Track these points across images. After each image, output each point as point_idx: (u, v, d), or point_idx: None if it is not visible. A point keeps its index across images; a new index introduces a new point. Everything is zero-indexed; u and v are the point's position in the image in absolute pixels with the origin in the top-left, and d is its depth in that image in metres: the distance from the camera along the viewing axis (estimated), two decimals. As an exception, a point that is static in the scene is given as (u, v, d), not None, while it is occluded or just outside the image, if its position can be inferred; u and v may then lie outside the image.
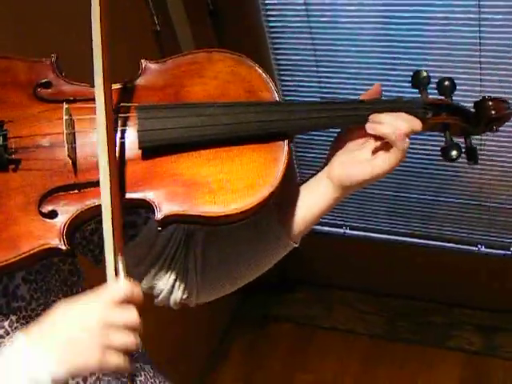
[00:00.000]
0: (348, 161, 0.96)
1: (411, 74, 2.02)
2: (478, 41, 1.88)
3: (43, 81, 0.93)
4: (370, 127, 0.95)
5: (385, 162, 0.94)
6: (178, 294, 1.05)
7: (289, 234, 1.01)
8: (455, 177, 2.18)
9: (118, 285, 0.81)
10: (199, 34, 2.15)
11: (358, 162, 0.95)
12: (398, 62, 2.03)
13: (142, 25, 1.97)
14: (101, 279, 1.03)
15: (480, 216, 2.27)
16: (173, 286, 1.04)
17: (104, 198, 0.82)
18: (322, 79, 2.17)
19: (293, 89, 2.23)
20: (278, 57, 2.18)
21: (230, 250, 1.04)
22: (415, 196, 2.30)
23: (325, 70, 2.15)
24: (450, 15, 1.88)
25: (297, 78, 2.21)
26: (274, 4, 2.08)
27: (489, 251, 2.35)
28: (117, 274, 0.82)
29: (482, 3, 1.81)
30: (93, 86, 0.88)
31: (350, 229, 2.53)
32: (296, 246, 1.03)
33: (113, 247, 0.81)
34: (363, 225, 2.50)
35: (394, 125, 0.93)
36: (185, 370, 2.29)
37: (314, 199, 0.99)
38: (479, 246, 2.35)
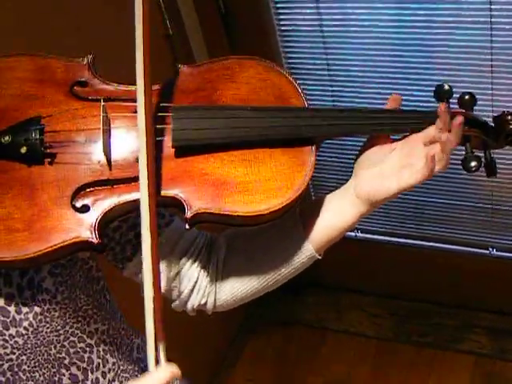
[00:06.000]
0: (375, 176, 0.97)
1: (423, 78, 2.03)
2: (490, 44, 1.88)
3: (80, 80, 0.95)
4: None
5: (411, 176, 0.95)
6: (196, 298, 1.05)
7: (313, 245, 1.01)
8: (467, 180, 2.19)
9: (161, 373, 0.79)
10: (211, 37, 2.16)
11: (385, 177, 0.97)
12: (410, 67, 2.04)
13: (155, 29, 1.99)
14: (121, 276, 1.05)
15: (491, 219, 2.27)
16: (192, 289, 1.05)
17: (142, 197, 0.83)
18: (333, 83, 2.18)
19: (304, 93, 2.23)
20: (290, 61, 2.20)
21: (252, 257, 1.04)
22: (426, 199, 2.31)
23: (336, 74, 2.16)
24: (462, 19, 1.89)
25: (308, 82, 2.22)
26: (286, 8, 2.09)
27: (500, 254, 2.35)
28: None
29: (493, 7, 1.82)
30: (129, 85, 0.91)
31: (361, 232, 2.54)
32: (319, 257, 1.02)
33: (154, 339, 0.80)
34: (374, 228, 2.51)
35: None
36: (195, 374, 2.29)
37: (341, 213, 1.00)
38: (490, 249, 2.36)
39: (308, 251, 1.01)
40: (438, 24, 1.94)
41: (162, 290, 1.03)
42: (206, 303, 1.06)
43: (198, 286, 1.05)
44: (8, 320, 0.91)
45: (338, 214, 1.00)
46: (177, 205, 0.91)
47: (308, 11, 2.07)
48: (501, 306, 2.43)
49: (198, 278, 1.04)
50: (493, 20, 1.84)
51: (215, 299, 1.06)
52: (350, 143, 2.18)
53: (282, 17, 2.11)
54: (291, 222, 1.02)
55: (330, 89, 2.19)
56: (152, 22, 1.96)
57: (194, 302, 1.06)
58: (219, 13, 2.15)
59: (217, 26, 2.17)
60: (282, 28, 2.13)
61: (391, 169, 0.97)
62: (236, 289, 1.05)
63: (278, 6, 2.09)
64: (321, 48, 2.12)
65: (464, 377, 2.36)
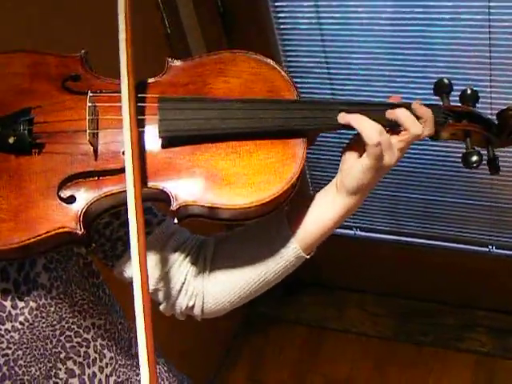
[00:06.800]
0: (351, 165, 0.96)
1: (421, 76, 2.02)
2: (488, 39, 1.88)
3: (72, 74, 0.95)
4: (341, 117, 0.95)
5: (369, 154, 0.92)
6: (184, 300, 1.04)
7: (300, 243, 0.99)
8: (467, 178, 2.18)
9: None
10: (210, 36, 2.16)
11: (357, 165, 0.95)
12: (408, 64, 2.03)
13: (153, 27, 1.99)
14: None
15: (492, 217, 2.27)
16: (180, 290, 1.03)
17: (129, 188, 0.83)
18: (332, 81, 2.18)
19: (303, 91, 2.24)
20: (289, 59, 2.19)
21: (238, 258, 1.03)
22: (426, 197, 2.31)
23: (335, 72, 2.16)
24: (460, 16, 1.89)
25: (307, 80, 2.22)
26: (285, 6, 2.09)
27: (500, 252, 2.35)
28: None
29: (491, 4, 1.81)
30: (118, 78, 0.90)
31: (360, 230, 2.53)
32: (307, 257, 1.00)
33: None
34: (374, 226, 2.50)
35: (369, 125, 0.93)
36: (195, 374, 2.29)
37: (323, 208, 0.99)
38: (490, 247, 2.35)
39: (294, 251, 0.99)
40: (436, 21, 1.94)
41: (150, 289, 1.02)
42: (193, 306, 1.05)
43: (186, 287, 1.03)
44: (4, 315, 0.91)
45: (321, 210, 0.99)
46: (163, 197, 0.90)
47: (306, 9, 2.06)
48: (502, 304, 2.43)
49: (186, 278, 1.03)
50: (491, 17, 1.84)
51: (203, 302, 1.04)
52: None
53: (280, 15, 2.11)
54: (277, 222, 1.00)
55: (329, 86, 2.19)
56: (150, 19, 1.98)
57: (181, 304, 1.04)
58: (218, 11, 2.15)
59: (215, 24, 2.17)
60: (281, 26, 2.13)
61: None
62: (222, 290, 1.03)
63: (277, 4, 2.09)
64: (319, 46, 2.12)
65: (465, 376, 2.36)
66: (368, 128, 0.92)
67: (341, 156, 0.99)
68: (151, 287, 1.02)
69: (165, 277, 1.03)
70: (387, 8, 1.99)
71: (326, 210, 0.98)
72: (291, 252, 0.99)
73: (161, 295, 1.04)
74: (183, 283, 1.03)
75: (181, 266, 1.03)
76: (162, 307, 1.06)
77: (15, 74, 0.94)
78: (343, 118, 0.95)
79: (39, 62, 0.96)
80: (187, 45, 2.10)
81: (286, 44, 2.16)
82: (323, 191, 1.01)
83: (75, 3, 1.63)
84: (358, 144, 0.95)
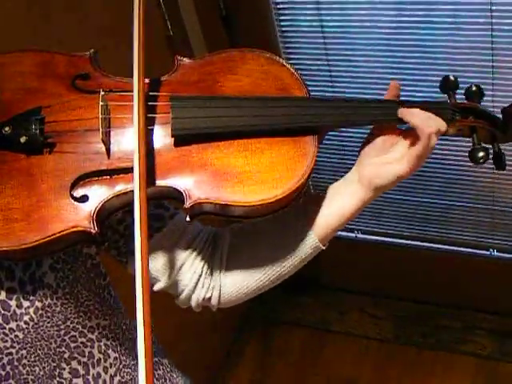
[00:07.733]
0: (378, 161, 0.97)
1: (423, 79, 2.02)
2: (491, 45, 1.88)
3: (82, 73, 0.96)
4: (403, 112, 0.96)
5: (410, 160, 0.94)
6: (201, 292, 1.04)
7: (317, 234, 0.99)
8: (468, 180, 2.19)
9: None
10: (212, 38, 2.16)
11: (387, 162, 0.96)
12: (410, 66, 2.04)
13: (155, 30, 1.99)
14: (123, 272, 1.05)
15: (492, 220, 2.27)
16: (197, 283, 1.03)
17: (135, 186, 0.83)
18: (334, 83, 2.18)
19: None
20: (291, 62, 2.19)
21: (255, 250, 1.03)
22: (427, 200, 2.31)
23: (337, 74, 2.16)
24: (462, 20, 1.89)
25: (309, 83, 2.20)
26: (287, 9, 2.10)
27: (501, 255, 2.35)
28: None
29: (493, 7, 1.81)
30: (129, 78, 0.91)
31: (361, 233, 2.54)
32: (323, 248, 1.01)
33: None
34: (375, 229, 2.51)
35: (425, 119, 0.94)
36: (196, 374, 2.29)
37: (343, 201, 0.99)
38: (491, 250, 2.36)
39: (312, 241, 0.99)
40: (438, 24, 1.94)
41: (167, 284, 1.03)
42: (210, 298, 1.05)
43: (203, 280, 1.04)
44: (9, 314, 0.91)
45: (339, 201, 0.99)
46: (176, 195, 0.91)
47: (308, 12, 2.07)
48: (502, 307, 2.43)
49: (202, 271, 1.03)
50: (493, 20, 1.84)
51: (220, 294, 1.05)
52: (351, 144, 2.19)
53: (282, 18, 2.11)
54: (294, 214, 1.01)
55: (331, 89, 2.19)
56: (152, 22, 1.98)
57: (198, 297, 1.05)
58: (220, 13, 2.15)
59: (217, 27, 2.17)
60: (283, 29, 2.13)
61: (395, 155, 0.96)
62: (240, 282, 1.04)
63: (279, 7, 2.09)
64: (322, 49, 2.12)
65: (466, 379, 2.36)
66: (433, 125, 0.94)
67: (360, 150, 1.00)
68: (167, 282, 1.03)
69: (181, 270, 1.03)
70: (389, 11, 1.99)
71: (347, 201, 0.99)
72: (309, 243, 1.00)
73: (178, 288, 1.05)
74: (200, 275, 1.03)
75: (197, 259, 1.03)
76: (178, 300, 1.06)
77: (24, 73, 0.94)
78: (409, 110, 0.96)
79: (48, 61, 0.96)
80: (189, 47, 2.10)
81: (288, 47, 2.17)
82: (341, 184, 1.01)
83: (77, 2, 1.64)
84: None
